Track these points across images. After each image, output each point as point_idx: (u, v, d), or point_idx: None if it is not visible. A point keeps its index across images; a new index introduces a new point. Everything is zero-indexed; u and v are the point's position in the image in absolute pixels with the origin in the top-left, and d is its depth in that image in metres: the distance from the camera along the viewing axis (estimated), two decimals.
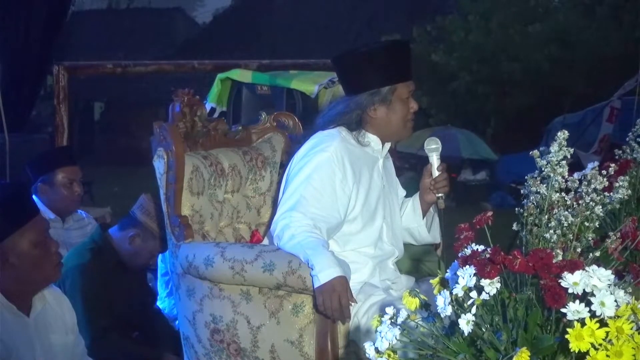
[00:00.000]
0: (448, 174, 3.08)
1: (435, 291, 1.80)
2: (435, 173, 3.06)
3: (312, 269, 2.62)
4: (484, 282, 1.68)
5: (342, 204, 2.89)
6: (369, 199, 2.98)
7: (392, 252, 3.05)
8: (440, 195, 3.06)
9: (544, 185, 1.89)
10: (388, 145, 3.09)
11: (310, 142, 2.97)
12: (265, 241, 3.09)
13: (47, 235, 2.63)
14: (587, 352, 1.56)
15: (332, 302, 2.60)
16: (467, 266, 1.71)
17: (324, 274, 2.61)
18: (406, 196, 3.24)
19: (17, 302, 2.57)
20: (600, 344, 1.56)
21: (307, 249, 2.67)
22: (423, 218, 3.16)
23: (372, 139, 3.01)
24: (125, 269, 3.60)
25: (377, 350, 1.71)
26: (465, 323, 1.65)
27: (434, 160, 3.06)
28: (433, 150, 3.06)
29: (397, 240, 3.09)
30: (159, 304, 4.22)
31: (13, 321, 2.54)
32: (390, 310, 1.74)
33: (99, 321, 3.41)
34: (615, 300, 1.60)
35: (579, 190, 1.91)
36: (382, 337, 1.71)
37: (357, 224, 2.96)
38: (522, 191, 1.94)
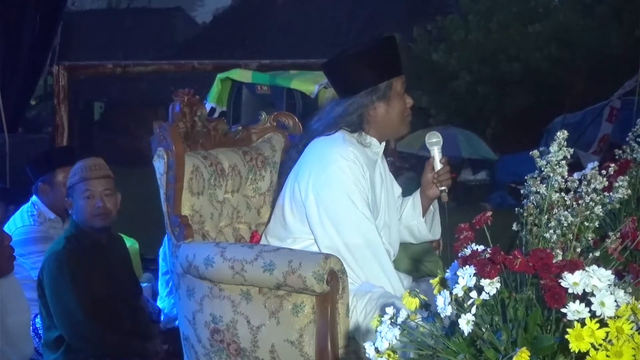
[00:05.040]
0: (450, 167, 3.09)
1: (435, 291, 1.80)
2: (438, 166, 3.07)
3: None
4: (484, 282, 1.67)
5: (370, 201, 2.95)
6: (375, 199, 2.99)
7: (387, 252, 3.05)
8: (443, 188, 3.07)
9: (544, 185, 1.88)
10: (384, 144, 3.09)
11: (322, 150, 2.94)
12: (264, 241, 3.08)
13: None
14: (587, 353, 1.55)
15: None
16: (467, 266, 1.71)
17: None
18: (405, 196, 3.24)
19: None
20: (600, 344, 1.56)
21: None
22: (423, 216, 3.16)
23: (372, 140, 3.01)
24: (106, 258, 3.55)
25: (377, 350, 1.71)
26: (465, 323, 1.65)
27: (436, 153, 3.07)
28: (434, 144, 3.07)
29: (393, 241, 3.09)
30: (159, 303, 4.22)
31: None
32: (390, 310, 1.74)
33: (78, 309, 3.36)
34: (615, 300, 1.60)
35: (579, 190, 1.91)
36: (382, 337, 1.71)
37: None
38: (522, 191, 1.94)
